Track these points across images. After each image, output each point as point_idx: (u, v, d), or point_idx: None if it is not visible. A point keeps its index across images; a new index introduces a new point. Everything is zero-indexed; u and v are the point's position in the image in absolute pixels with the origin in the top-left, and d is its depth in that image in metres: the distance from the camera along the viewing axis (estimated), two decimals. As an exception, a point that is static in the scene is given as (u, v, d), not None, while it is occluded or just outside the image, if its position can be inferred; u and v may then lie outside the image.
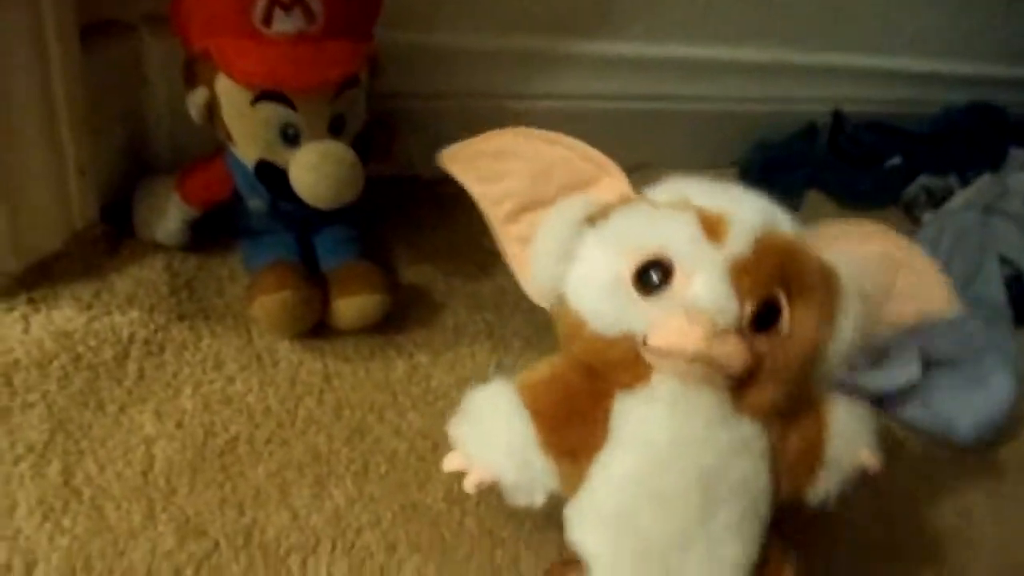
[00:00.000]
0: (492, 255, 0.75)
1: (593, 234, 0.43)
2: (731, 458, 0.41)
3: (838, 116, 0.99)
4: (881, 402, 0.69)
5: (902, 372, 0.68)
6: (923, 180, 1.00)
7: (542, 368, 0.44)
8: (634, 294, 0.41)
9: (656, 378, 0.40)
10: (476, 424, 0.43)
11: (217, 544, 0.48)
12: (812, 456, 0.44)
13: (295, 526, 0.50)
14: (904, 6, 0.96)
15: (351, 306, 0.58)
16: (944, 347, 0.74)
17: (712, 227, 0.41)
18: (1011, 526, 0.63)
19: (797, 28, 0.90)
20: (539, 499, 0.42)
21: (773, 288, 0.40)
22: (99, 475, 0.49)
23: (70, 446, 0.49)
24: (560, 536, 0.44)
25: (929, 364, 0.70)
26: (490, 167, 0.51)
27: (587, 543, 0.42)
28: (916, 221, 0.97)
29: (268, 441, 0.54)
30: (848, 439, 0.44)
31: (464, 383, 0.61)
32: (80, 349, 0.54)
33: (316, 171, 0.51)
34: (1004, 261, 0.85)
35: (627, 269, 0.41)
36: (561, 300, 0.45)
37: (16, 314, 0.55)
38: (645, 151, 0.90)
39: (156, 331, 0.57)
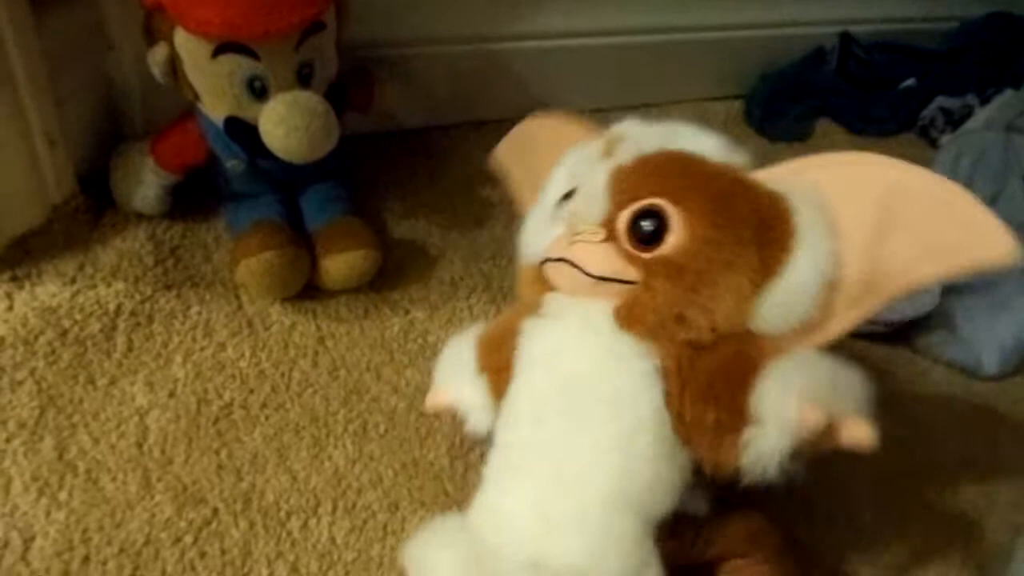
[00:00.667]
0: (488, 205, 0.73)
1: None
2: (604, 370, 0.39)
3: (846, 38, 0.94)
4: (900, 333, 0.67)
5: (918, 300, 0.65)
6: (940, 101, 0.95)
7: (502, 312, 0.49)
8: (547, 221, 0.44)
9: (547, 296, 0.43)
10: (444, 359, 0.48)
11: (216, 511, 0.47)
12: (731, 404, 0.37)
13: (294, 489, 0.49)
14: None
15: (338, 263, 0.56)
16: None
17: (609, 147, 0.42)
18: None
19: (798, -55, 0.85)
20: (487, 417, 0.45)
21: (648, 195, 0.39)
22: (93, 448, 0.48)
23: (62, 421, 0.49)
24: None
25: (949, 290, 0.67)
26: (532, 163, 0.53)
27: (496, 446, 0.43)
28: (934, 144, 0.93)
29: (263, 406, 0.53)
30: (783, 391, 0.35)
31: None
32: (66, 324, 0.53)
33: (285, 123, 0.49)
34: (1028, 180, 0.81)
35: (552, 202, 0.45)
36: None
37: (-1, 292, 0.54)
38: (647, 89, 0.87)
39: (143, 302, 0.56)
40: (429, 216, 0.69)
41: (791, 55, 0.91)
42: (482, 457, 0.51)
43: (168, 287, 0.57)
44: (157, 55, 0.50)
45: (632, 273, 0.40)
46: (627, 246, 0.40)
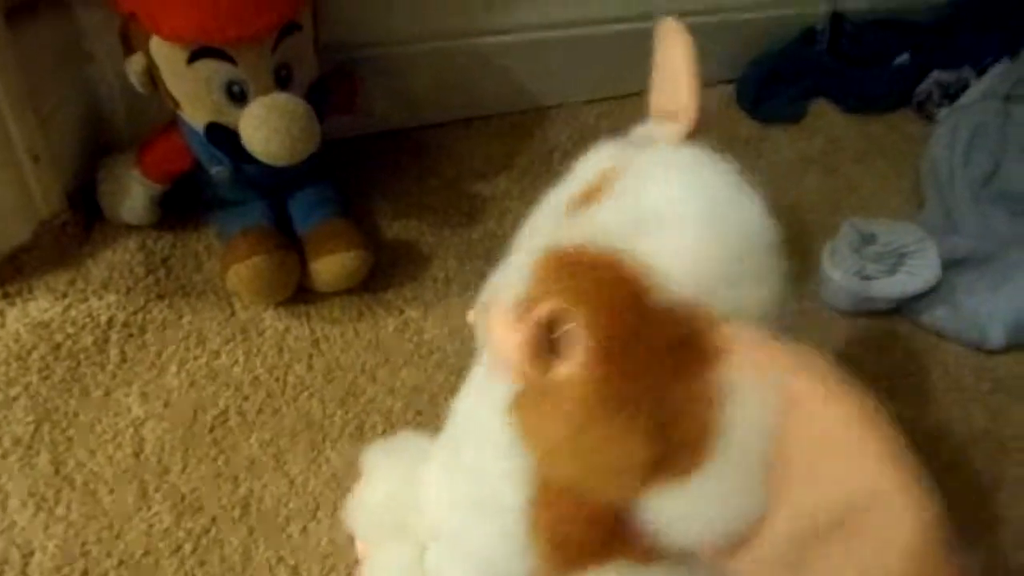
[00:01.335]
0: (479, 201, 0.73)
1: None
2: (483, 403, 0.38)
3: (837, 17, 0.93)
4: (902, 309, 0.66)
5: (919, 276, 0.64)
6: (935, 75, 0.93)
7: None
8: (552, 219, 0.40)
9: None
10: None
11: (215, 518, 0.47)
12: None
13: (293, 493, 0.48)
14: None
15: (328, 265, 0.56)
16: (966, 244, 0.69)
17: (596, 189, 0.34)
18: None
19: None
20: None
21: (562, 302, 0.30)
22: (90, 460, 0.48)
23: (57, 435, 0.49)
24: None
25: (950, 265, 0.66)
26: None
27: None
28: (931, 119, 0.91)
29: (259, 411, 0.52)
30: None
31: (457, 334, 0.60)
32: (59, 338, 0.53)
33: (265, 125, 0.48)
34: (1028, 150, 0.80)
35: (562, 200, 0.41)
36: None
37: (-8, 310, 0.54)
38: (637, 78, 0.85)
39: (135, 313, 0.56)
40: (420, 215, 0.68)
41: (783, 37, 0.90)
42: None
43: (160, 297, 0.57)
44: (134, 65, 0.50)
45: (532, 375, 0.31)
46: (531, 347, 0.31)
